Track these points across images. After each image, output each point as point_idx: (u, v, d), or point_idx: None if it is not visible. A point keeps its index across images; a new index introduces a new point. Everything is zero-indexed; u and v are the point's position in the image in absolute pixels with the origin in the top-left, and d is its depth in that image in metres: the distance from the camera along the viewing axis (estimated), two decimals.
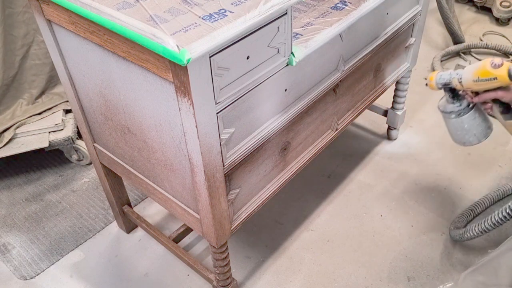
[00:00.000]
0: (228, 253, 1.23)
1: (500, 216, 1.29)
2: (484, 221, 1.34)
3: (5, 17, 1.59)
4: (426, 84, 1.28)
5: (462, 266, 1.43)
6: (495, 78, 1.11)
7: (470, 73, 1.16)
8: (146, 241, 1.57)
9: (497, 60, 1.11)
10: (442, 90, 1.27)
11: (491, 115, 1.27)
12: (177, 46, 0.76)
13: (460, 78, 1.19)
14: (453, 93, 1.25)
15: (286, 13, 0.94)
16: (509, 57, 2.33)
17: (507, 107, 1.21)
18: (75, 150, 1.82)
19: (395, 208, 1.63)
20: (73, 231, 1.61)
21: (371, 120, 2.00)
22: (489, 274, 1.09)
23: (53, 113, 1.78)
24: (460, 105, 1.25)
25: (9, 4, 1.59)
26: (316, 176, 1.76)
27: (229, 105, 0.94)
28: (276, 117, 1.11)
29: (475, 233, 1.37)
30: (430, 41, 2.52)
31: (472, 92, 1.22)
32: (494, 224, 1.31)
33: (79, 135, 1.79)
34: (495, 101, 1.20)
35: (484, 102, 1.22)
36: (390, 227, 1.57)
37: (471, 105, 1.26)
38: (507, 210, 1.26)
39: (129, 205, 1.55)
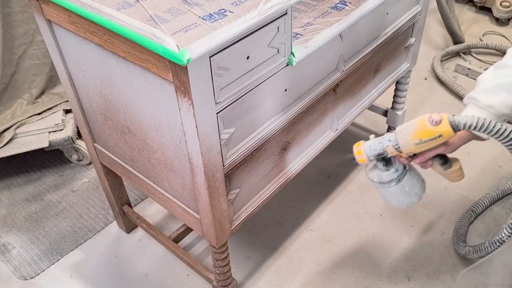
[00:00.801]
0: (228, 253, 1.23)
1: (501, 236, 1.23)
2: (490, 242, 1.28)
3: (4, 15, 1.59)
4: (354, 159, 1.12)
5: (462, 266, 1.43)
6: (440, 136, 1.00)
7: (408, 136, 1.03)
8: (146, 241, 1.57)
9: (435, 116, 1.00)
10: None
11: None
12: (177, 46, 0.76)
13: (397, 145, 1.06)
14: (385, 161, 1.12)
15: (286, 13, 0.94)
16: None
17: (445, 158, 1.15)
18: (75, 150, 1.82)
19: (395, 208, 1.63)
20: (73, 231, 1.61)
21: (371, 120, 2.00)
22: (488, 273, 1.09)
23: (53, 113, 1.78)
24: (397, 170, 1.12)
25: (7, 3, 1.59)
26: (316, 176, 1.76)
27: (229, 105, 0.94)
28: (276, 117, 1.11)
29: (480, 255, 1.32)
30: (430, 41, 2.52)
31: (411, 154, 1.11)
32: (498, 242, 1.23)
33: (79, 135, 1.79)
34: (434, 156, 1.12)
35: (426, 161, 1.13)
36: (390, 227, 1.57)
37: (407, 167, 1.15)
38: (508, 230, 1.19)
39: (129, 205, 1.55)
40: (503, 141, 0.99)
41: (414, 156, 1.11)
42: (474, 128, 0.97)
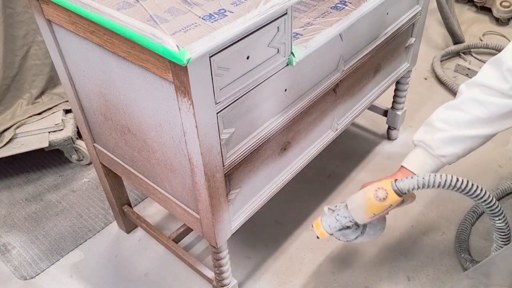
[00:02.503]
0: (228, 253, 1.23)
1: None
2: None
3: (6, 17, 1.59)
4: (318, 237, 1.18)
5: (462, 266, 1.43)
6: (390, 205, 1.07)
7: (362, 214, 1.09)
8: (146, 241, 1.57)
9: (380, 193, 1.06)
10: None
11: None
12: (177, 46, 0.76)
13: (353, 220, 1.12)
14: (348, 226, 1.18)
15: (286, 13, 0.94)
16: None
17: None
18: (75, 150, 1.82)
19: (395, 208, 1.63)
20: (73, 231, 1.61)
21: (371, 120, 2.00)
22: (489, 273, 1.09)
23: (53, 113, 1.78)
24: (358, 226, 1.19)
25: (9, 4, 1.59)
26: (316, 176, 1.76)
27: (229, 105, 0.94)
28: (276, 117, 1.11)
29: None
30: (430, 41, 2.52)
31: None
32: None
33: (79, 135, 1.79)
34: None
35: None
36: (390, 227, 1.57)
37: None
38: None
39: (129, 205, 1.55)
40: (447, 189, 1.04)
41: None
42: (417, 189, 1.03)
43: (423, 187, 1.03)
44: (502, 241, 1.14)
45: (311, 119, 1.25)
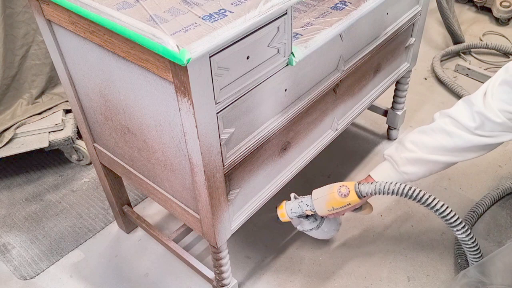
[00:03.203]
0: (228, 253, 1.23)
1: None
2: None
3: (5, 17, 1.59)
4: (277, 218, 1.30)
5: (462, 266, 1.43)
6: (348, 204, 1.20)
7: (322, 205, 1.22)
8: (146, 241, 1.57)
9: (343, 189, 1.19)
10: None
11: None
12: (177, 46, 0.76)
13: (313, 209, 1.24)
14: (307, 215, 1.31)
15: (286, 13, 0.94)
16: (509, 57, 2.33)
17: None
18: (75, 150, 1.82)
19: (395, 208, 1.63)
20: (73, 231, 1.61)
21: (371, 120, 2.00)
22: (489, 273, 1.09)
23: (53, 113, 1.78)
24: (316, 219, 1.32)
25: (9, 4, 1.59)
26: (316, 176, 1.76)
27: (229, 105, 0.94)
28: (276, 117, 1.11)
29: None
30: (430, 41, 2.52)
31: None
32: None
33: (79, 135, 1.79)
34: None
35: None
36: (390, 227, 1.57)
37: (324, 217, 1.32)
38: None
39: (129, 205, 1.55)
40: (401, 196, 1.14)
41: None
42: (375, 194, 1.16)
43: (380, 193, 1.16)
44: (471, 254, 1.19)
45: (311, 119, 1.25)
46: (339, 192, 1.19)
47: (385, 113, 1.87)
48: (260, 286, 1.43)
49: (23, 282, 1.47)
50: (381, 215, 1.61)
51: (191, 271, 1.46)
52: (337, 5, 1.19)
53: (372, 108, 1.90)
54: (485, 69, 2.24)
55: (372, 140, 1.92)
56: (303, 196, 1.28)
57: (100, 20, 0.87)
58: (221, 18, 0.84)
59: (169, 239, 1.44)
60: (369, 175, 1.29)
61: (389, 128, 1.91)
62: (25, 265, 1.51)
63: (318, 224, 1.32)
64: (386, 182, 1.15)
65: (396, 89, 1.79)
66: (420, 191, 1.12)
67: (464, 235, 1.14)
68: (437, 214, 1.13)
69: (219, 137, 0.95)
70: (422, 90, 2.18)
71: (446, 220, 1.13)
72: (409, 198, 1.13)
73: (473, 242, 1.16)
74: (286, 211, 1.29)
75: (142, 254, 1.54)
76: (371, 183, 1.17)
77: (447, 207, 1.12)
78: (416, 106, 2.07)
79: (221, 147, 0.97)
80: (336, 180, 1.74)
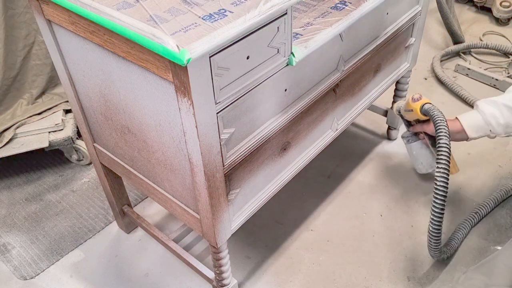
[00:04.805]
0: (228, 253, 1.23)
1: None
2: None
3: (7, 18, 1.59)
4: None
5: (462, 266, 1.43)
6: (411, 110, 1.37)
7: (404, 102, 1.45)
8: (146, 241, 1.57)
9: (417, 95, 1.36)
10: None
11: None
12: (177, 46, 0.76)
13: (401, 107, 1.48)
14: (406, 120, 1.51)
15: (286, 13, 0.94)
16: (509, 57, 2.33)
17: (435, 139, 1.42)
18: (75, 150, 1.82)
19: (395, 208, 1.63)
20: (73, 231, 1.61)
21: (371, 120, 2.00)
22: (490, 273, 1.10)
23: (53, 113, 1.78)
24: (410, 133, 1.51)
25: (10, 5, 1.59)
26: (316, 176, 1.76)
27: (229, 105, 0.94)
28: (276, 117, 1.11)
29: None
30: (430, 41, 2.52)
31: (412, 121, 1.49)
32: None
33: (79, 135, 1.79)
34: (427, 134, 1.46)
35: (420, 133, 1.48)
36: (390, 227, 1.57)
37: (419, 137, 1.50)
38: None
39: (129, 205, 1.55)
40: (436, 134, 1.26)
41: (412, 125, 1.50)
42: (425, 112, 1.32)
43: (426, 113, 1.32)
44: (435, 192, 1.26)
45: (311, 119, 1.25)
46: (413, 96, 1.36)
47: (385, 113, 1.87)
48: (260, 286, 1.43)
49: (23, 282, 1.47)
50: (381, 215, 1.61)
51: (191, 271, 1.46)
52: (337, 5, 1.19)
53: (372, 108, 1.90)
54: (485, 69, 2.24)
55: (372, 140, 1.92)
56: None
57: (100, 20, 0.87)
58: (221, 18, 0.84)
59: (169, 239, 1.44)
60: (456, 117, 1.38)
61: (389, 128, 1.91)
62: (25, 265, 1.51)
63: (409, 138, 1.50)
64: (441, 118, 1.26)
65: (396, 89, 1.79)
66: (441, 120, 1.24)
67: (439, 174, 1.23)
68: (437, 147, 1.24)
69: (219, 137, 0.95)
70: (422, 90, 2.18)
71: (438, 154, 1.23)
72: (437, 135, 1.25)
73: (443, 182, 1.23)
74: (395, 107, 1.54)
75: (142, 254, 1.54)
76: (434, 107, 1.30)
77: (447, 145, 1.22)
78: None
79: (221, 147, 0.97)
80: (336, 180, 1.75)
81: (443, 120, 1.26)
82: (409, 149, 1.53)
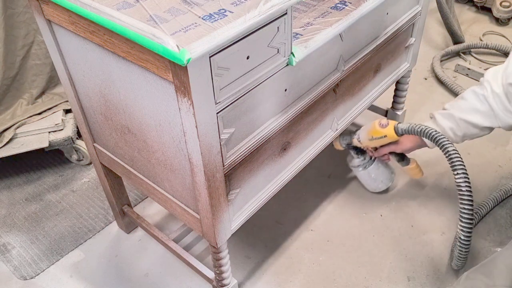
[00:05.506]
0: (228, 253, 1.23)
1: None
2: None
3: (6, 17, 1.59)
4: (332, 145, 1.51)
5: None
6: (385, 136, 1.34)
7: (365, 133, 1.40)
8: (146, 241, 1.57)
9: (384, 121, 1.34)
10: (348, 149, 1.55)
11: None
12: (177, 46, 0.76)
13: (359, 138, 1.43)
14: (357, 150, 1.52)
15: (286, 13, 0.94)
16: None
17: (402, 156, 1.49)
18: (75, 150, 1.82)
19: (395, 208, 1.63)
20: (73, 231, 1.61)
21: (371, 120, 2.00)
22: (491, 274, 1.09)
23: (53, 113, 1.78)
24: (364, 159, 1.51)
25: (10, 5, 1.59)
26: (316, 176, 1.76)
27: (229, 105, 0.94)
28: (276, 117, 1.11)
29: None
30: (430, 41, 2.52)
31: (372, 148, 1.48)
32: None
33: (79, 135, 1.79)
34: (391, 153, 1.47)
35: (383, 155, 1.48)
36: (390, 227, 1.57)
37: (373, 158, 1.52)
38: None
39: (129, 205, 1.55)
40: (429, 138, 1.26)
41: (375, 150, 1.48)
42: (407, 132, 1.30)
43: (412, 133, 1.29)
44: (461, 203, 1.24)
45: (311, 119, 1.25)
46: (380, 122, 1.35)
47: (385, 113, 1.87)
48: (260, 286, 1.43)
49: (23, 282, 1.47)
50: (381, 215, 1.61)
51: (191, 271, 1.46)
52: (337, 5, 1.19)
53: (372, 108, 1.90)
54: (485, 69, 2.24)
55: None
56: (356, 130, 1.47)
57: (100, 20, 0.87)
58: (221, 18, 0.84)
59: (169, 239, 1.44)
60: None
61: None
62: (25, 265, 1.51)
63: (365, 164, 1.50)
64: (419, 124, 1.26)
65: (396, 89, 1.79)
66: (440, 134, 1.23)
67: (462, 180, 1.21)
68: (447, 157, 1.22)
69: (219, 137, 0.95)
70: (422, 90, 2.18)
71: (452, 163, 1.21)
72: (433, 140, 1.24)
73: (468, 191, 1.21)
74: (340, 139, 1.50)
75: (142, 254, 1.54)
76: (408, 122, 1.30)
77: (457, 153, 1.21)
78: (416, 106, 2.07)
79: (221, 147, 0.97)
80: (336, 181, 1.75)
81: (435, 130, 1.25)
82: (365, 174, 1.54)
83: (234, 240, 1.54)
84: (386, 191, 1.66)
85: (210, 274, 1.33)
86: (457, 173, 1.21)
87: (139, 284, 1.45)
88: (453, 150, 1.22)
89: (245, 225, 1.20)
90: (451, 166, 1.22)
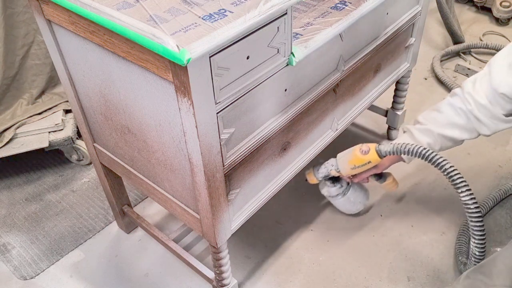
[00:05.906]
0: (228, 253, 1.23)
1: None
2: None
3: (6, 17, 1.59)
4: (306, 180, 1.45)
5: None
6: (369, 162, 1.28)
7: (345, 163, 1.33)
8: (146, 241, 1.57)
9: (364, 147, 1.28)
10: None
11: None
12: (177, 46, 0.76)
13: (338, 169, 1.36)
14: (333, 179, 1.45)
15: (286, 13, 0.94)
16: None
17: (379, 174, 1.46)
18: (75, 150, 1.82)
19: (395, 208, 1.63)
20: (73, 231, 1.61)
21: (371, 120, 2.00)
22: (490, 274, 1.09)
23: (53, 113, 1.78)
24: (342, 186, 1.45)
25: (10, 4, 1.59)
26: None
27: (229, 105, 0.94)
28: (276, 117, 1.11)
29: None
30: (430, 41, 2.52)
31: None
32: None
33: (79, 135, 1.79)
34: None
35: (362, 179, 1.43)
36: (390, 227, 1.57)
37: (350, 183, 1.47)
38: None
39: (129, 205, 1.55)
40: (418, 157, 1.22)
41: (354, 176, 1.42)
42: (394, 154, 1.26)
43: (398, 153, 1.24)
44: (472, 221, 1.21)
45: (311, 119, 1.25)
46: (361, 149, 1.27)
47: (385, 113, 1.87)
48: (260, 286, 1.43)
49: (23, 282, 1.47)
50: (381, 215, 1.61)
51: (191, 271, 1.46)
52: (337, 5, 1.19)
53: (372, 108, 1.90)
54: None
55: (372, 140, 1.92)
56: (329, 159, 1.39)
57: (100, 20, 0.87)
58: (221, 18, 0.84)
59: (169, 239, 1.44)
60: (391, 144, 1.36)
61: (389, 128, 1.91)
62: (25, 265, 1.51)
63: (344, 191, 1.43)
64: (404, 143, 1.23)
65: (396, 89, 1.79)
66: (432, 152, 1.19)
67: (467, 198, 1.18)
68: (446, 175, 1.19)
69: (219, 137, 0.95)
70: (422, 90, 2.18)
71: (453, 181, 1.18)
72: (422, 158, 1.20)
73: (476, 208, 1.18)
74: (314, 172, 1.41)
75: (142, 254, 1.54)
76: (391, 143, 1.26)
77: (455, 169, 1.18)
78: (416, 106, 2.07)
79: (221, 147, 0.97)
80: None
81: (424, 148, 1.21)
82: (345, 201, 1.47)
83: (234, 240, 1.54)
84: (386, 191, 1.65)
85: (210, 274, 1.33)
86: (461, 191, 1.18)
87: (139, 284, 1.45)
88: (451, 166, 1.18)
89: (245, 225, 1.20)
90: (453, 184, 1.19)
